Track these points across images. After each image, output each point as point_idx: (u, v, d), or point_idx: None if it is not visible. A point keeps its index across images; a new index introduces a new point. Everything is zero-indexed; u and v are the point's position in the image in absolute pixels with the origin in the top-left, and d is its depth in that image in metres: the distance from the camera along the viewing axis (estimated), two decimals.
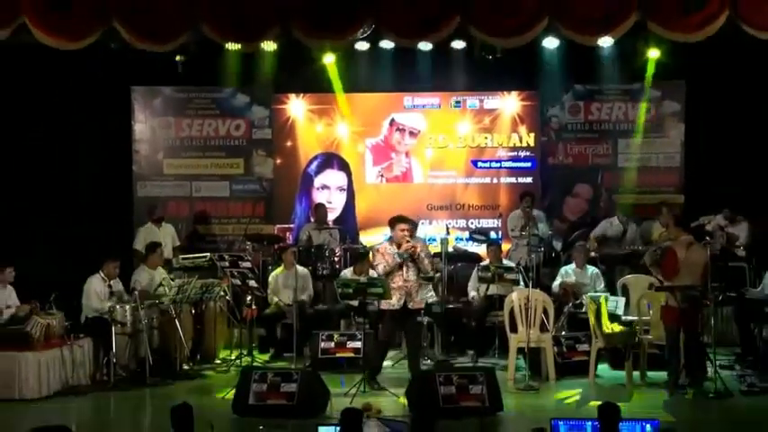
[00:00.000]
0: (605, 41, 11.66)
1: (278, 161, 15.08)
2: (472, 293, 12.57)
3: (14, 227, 13.31)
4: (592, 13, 10.70)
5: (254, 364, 11.35)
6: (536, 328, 11.02)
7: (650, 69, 13.75)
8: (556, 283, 12.52)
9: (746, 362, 11.35)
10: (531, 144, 14.89)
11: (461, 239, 14.62)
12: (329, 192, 15.07)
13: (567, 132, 14.94)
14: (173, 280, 11.70)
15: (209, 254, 12.82)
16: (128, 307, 11.04)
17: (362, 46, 12.94)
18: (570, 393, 10.39)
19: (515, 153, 14.92)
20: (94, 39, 11.05)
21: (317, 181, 15.09)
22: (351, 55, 13.37)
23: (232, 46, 11.74)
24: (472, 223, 14.87)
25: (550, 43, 12.59)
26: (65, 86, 13.62)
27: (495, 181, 14.99)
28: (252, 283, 11.73)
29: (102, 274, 11.44)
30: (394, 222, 10.71)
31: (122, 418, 9.72)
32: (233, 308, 12.31)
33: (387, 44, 12.79)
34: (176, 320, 11.23)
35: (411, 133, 15.00)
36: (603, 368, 11.35)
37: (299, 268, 12.47)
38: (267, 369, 9.99)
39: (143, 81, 14.57)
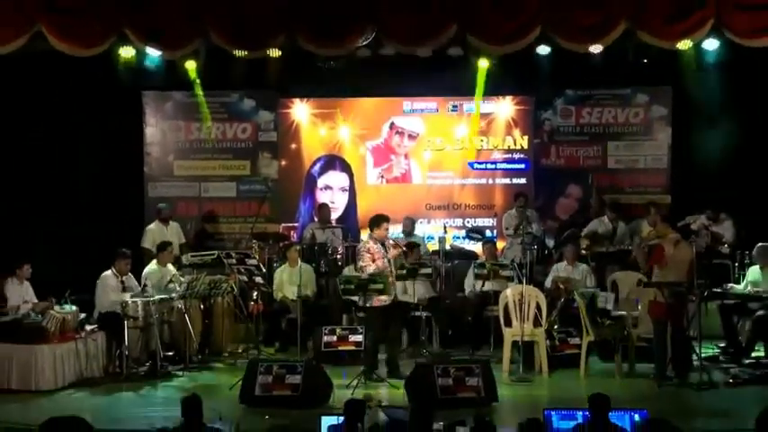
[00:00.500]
0: (596, 48, 11.65)
1: (283, 163, 15.08)
2: (468, 289, 12.57)
3: (32, 226, 13.30)
4: (583, 22, 10.70)
5: (260, 356, 11.35)
6: (529, 322, 11.03)
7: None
8: (548, 280, 12.52)
9: (730, 355, 11.36)
10: (525, 146, 14.90)
11: (458, 238, 14.63)
12: (332, 192, 15.07)
13: (559, 135, 14.95)
14: (182, 276, 11.70)
15: (217, 251, 12.80)
16: (139, 302, 11.04)
17: (364, 53, 12.94)
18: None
19: (510, 155, 14.93)
20: (108, 45, 11.05)
21: (321, 182, 15.09)
22: (353, 61, 13.35)
23: (239, 53, 11.73)
24: (468, 222, 14.88)
25: (543, 50, 12.58)
26: (79, 92, 13.61)
27: (490, 182, 15.00)
28: (258, 279, 11.72)
29: (115, 271, 11.44)
30: (379, 221, 10.80)
31: (134, 408, 9.71)
32: (240, 303, 12.30)
33: (387, 51, 12.79)
34: (186, 315, 11.22)
35: (410, 136, 15.01)
36: (594, 361, 11.34)
37: (303, 265, 12.47)
38: (272, 361, 9.98)
39: (154, 86, 14.57)
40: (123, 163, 14.42)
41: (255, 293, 12.01)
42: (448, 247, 13.51)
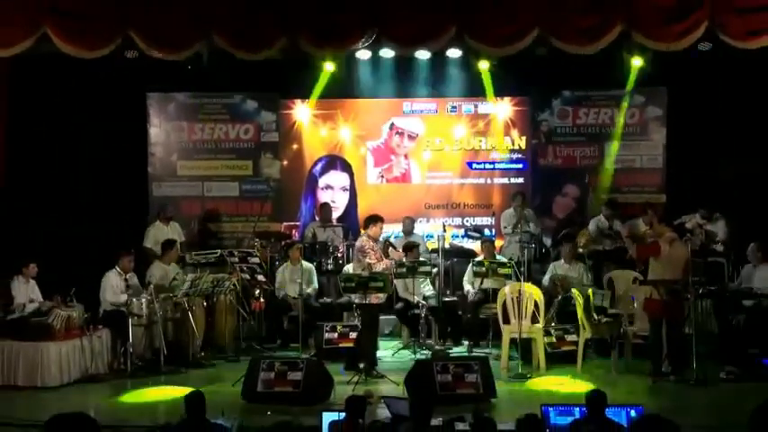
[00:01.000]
0: (592, 50, 11.64)
1: (284, 163, 15.07)
2: (467, 287, 12.57)
3: (38, 225, 13.29)
4: (579, 25, 10.69)
5: (263, 353, 11.35)
6: (527, 319, 11.04)
7: (632, 77, 13.73)
8: (546, 278, 12.52)
9: (725, 351, 11.35)
10: (523, 147, 14.89)
11: (457, 236, 14.62)
12: (333, 192, 15.07)
13: (556, 136, 14.93)
14: (186, 275, 11.70)
15: (219, 250, 12.81)
16: (143, 300, 11.05)
17: (364, 55, 12.93)
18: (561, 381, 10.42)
19: (508, 155, 14.92)
20: (112, 48, 11.04)
21: (322, 181, 15.09)
22: (353, 63, 13.34)
23: (241, 54, 11.72)
24: (467, 221, 14.88)
25: (541, 52, 12.58)
26: (84, 93, 13.61)
27: (488, 181, 15.00)
28: (260, 277, 11.74)
29: (119, 269, 11.45)
30: (375, 220, 10.98)
31: (138, 404, 9.71)
32: (242, 301, 12.30)
33: (387, 53, 12.79)
34: (189, 313, 11.24)
35: (410, 136, 15.00)
36: (591, 357, 11.34)
37: (305, 263, 12.47)
38: (274, 358, 9.98)
39: (158, 87, 14.56)
40: (127, 163, 14.40)
41: (258, 291, 12.02)
42: (447, 245, 13.50)
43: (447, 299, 12.56)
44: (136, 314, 11.00)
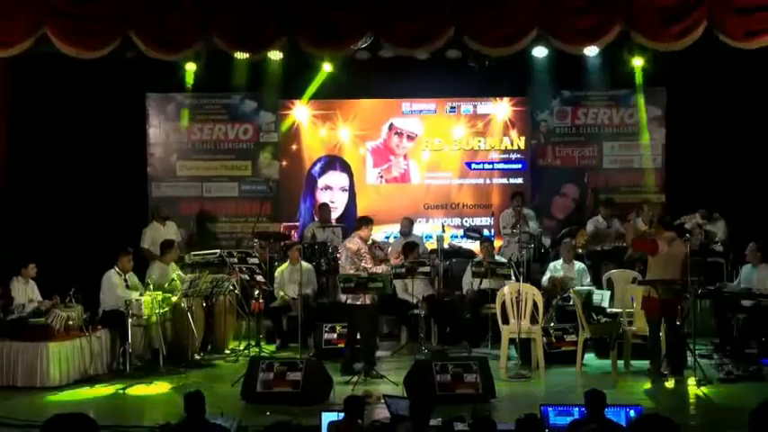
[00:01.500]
0: (591, 50, 11.65)
1: (284, 163, 15.07)
2: (466, 287, 12.58)
3: (37, 226, 13.30)
4: (578, 25, 10.69)
5: (262, 354, 11.35)
6: (526, 319, 11.03)
7: (638, 75, 13.71)
8: (545, 278, 12.52)
9: (724, 351, 11.36)
10: (522, 147, 14.90)
11: (456, 237, 14.63)
12: (332, 192, 15.07)
13: (555, 136, 14.94)
14: (185, 275, 11.69)
15: (219, 250, 12.81)
16: (143, 300, 11.04)
17: (363, 55, 12.93)
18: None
19: (507, 155, 14.93)
20: (112, 48, 11.04)
21: (321, 182, 15.09)
22: (352, 63, 13.34)
23: (240, 55, 11.72)
24: (466, 221, 14.88)
25: (539, 52, 12.59)
26: (84, 93, 13.60)
27: (487, 182, 15.00)
28: (259, 277, 11.72)
29: (118, 269, 11.43)
30: (368, 222, 11.09)
31: (138, 404, 9.71)
32: (241, 301, 12.29)
33: (386, 53, 12.78)
34: (188, 313, 11.22)
35: (409, 137, 15.00)
36: (590, 357, 11.35)
37: (304, 264, 12.46)
38: (274, 359, 10.00)
39: (157, 88, 14.56)
40: (127, 163, 14.40)
41: (257, 292, 12.00)
42: (446, 245, 13.49)
43: (446, 299, 12.55)
44: (135, 314, 10.97)
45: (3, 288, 11.01)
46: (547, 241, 14.24)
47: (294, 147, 15.06)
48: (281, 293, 12.57)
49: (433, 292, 12.45)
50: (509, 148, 14.90)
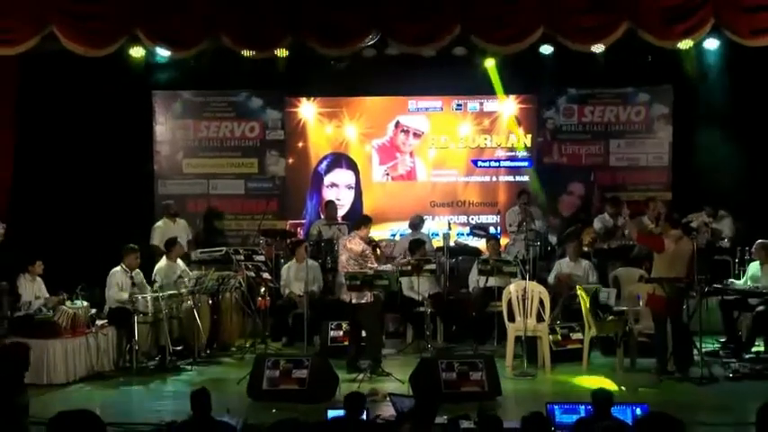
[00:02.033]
0: (597, 48, 11.63)
1: (290, 161, 15.08)
2: (472, 285, 12.57)
3: (44, 223, 13.31)
4: (584, 23, 10.68)
5: (268, 351, 11.34)
6: (532, 317, 11.01)
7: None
8: (551, 276, 12.51)
9: (730, 349, 11.34)
10: (528, 144, 14.88)
11: (462, 234, 14.62)
12: (338, 189, 15.08)
13: (561, 133, 14.94)
14: (191, 272, 11.70)
15: (225, 248, 12.82)
16: (149, 297, 11.05)
17: (369, 53, 12.91)
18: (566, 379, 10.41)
19: (513, 153, 14.91)
20: (118, 46, 11.05)
21: (327, 179, 15.09)
22: (359, 61, 13.33)
23: (247, 53, 11.72)
24: (472, 219, 14.88)
25: (546, 50, 12.56)
26: (90, 91, 13.61)
27: (494, 179, 15.00)
28: (265, 275, 11.72)
29: (124, 266, 11.43)
30: (368, 222, 11.11)
31: (144, 402, 9.72)
32: (248, 298, 12.28)
33: (392, 51, 12.77)
34: (194, 310, 11.23)
35: (415, 134, 15.00)
36: (596, 355, 11.33)
37: (310, 261, 12.46)
38: (280, 356, 9.98)
39: (163, 86, 14.58)
40: (133, 161, 14.42)
41: (263, 289, 12.00)
42: (452, 243, 13.48)
43: (452, 297, 12.55)
44: (141, 311, 10.99)
45: (9, 285, 11.03)
46: (553, 239, 14.23)
47: (300, 144, 15.07)
48: (287, 291, 12.57)
49: (439, 290, 12.45)
50: (515, 145, 14.88)
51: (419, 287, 11.96)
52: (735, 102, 13.39)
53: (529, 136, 14.88)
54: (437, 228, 14.60)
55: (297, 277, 12.46)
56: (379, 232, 14.02)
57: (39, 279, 11.19)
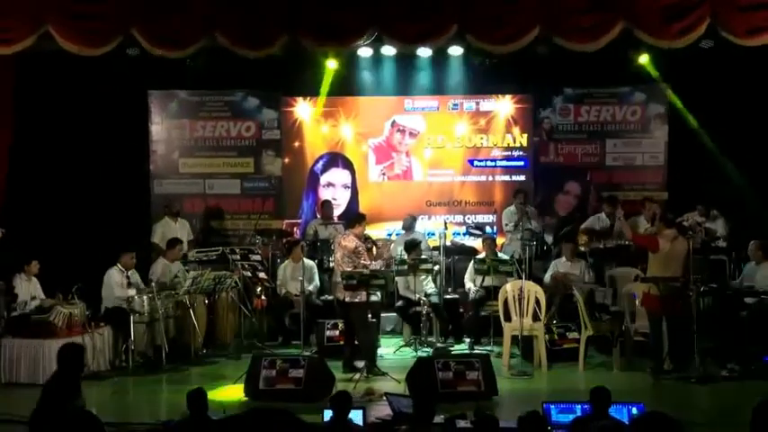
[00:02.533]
0: (594, 48, 11.63)
1: (286, 160, 15.07)
2: (469, 285, 12.58)
3: (39, 223, 13.30)
4: (581, 23, 10.69)
5: (264, 351, 11.35)
6: (529, 317, 11.03)
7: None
8: (547, 275, 12.52)
9: (726, 349, 11.35)
10: (524, 144, 14.88)
11: (459, 234, 14.61)
12: (334, 189, 15.07)
13: (557, 133, 14.94)
14: (188, 272, 11.70)
15: (221, 247, 12.82)
16: (145, 297, 11.05)
17: (365, 52, 12.92)
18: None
19: (509, 153, 14.92)
20: (114, 45, 11.04)
21: (323, 179, 15.08)
22: (355, 60, 13.34)
23: (243, 52, 11.71)
24: (469, 219, 14.86)
25: (542, 50, 12.56)
26: (86, 91, 13.60)
27: (490, 179, 14.99)
28: (262, 274, 11.74)
29: (120, 266, 11.45)
30: (361, 219, 11.12)
31: (140, 401, 9.72)
32: (244, 298, 12.29)
33: (388, 50, 12.78)
34: (191, 310, 11.24)
35: (411, 134, 14.99)
36: (592, 355, 11.34)
37: (306, 261, 12.48)
38: (276, 356, 9.99)
39: (159, 85, 14.56)
40: (129, 161, 14.40)
41: (259, 289, 12.02)
42: (448, 243, 13.48)
43: (448, 296, 12.56)
44: (137, 311, 11.01)
45: (6, 285, 11.03)
46: (549, 239, 14.25)
47: (296, 144, 15.06)
48: (284, 290, 12.57)
49: (435, 289, 12.45)
50: (511, 145, 14.89)
51: (415, 287, 11.99)
52: (731, 101, 13.41)
53: (525, 135, 14.88)
54: (433, 227, 14.59)
55: (293, 277, 12.46)
56: (374, 232, 13.99)
57: (34, 279, 11.21)
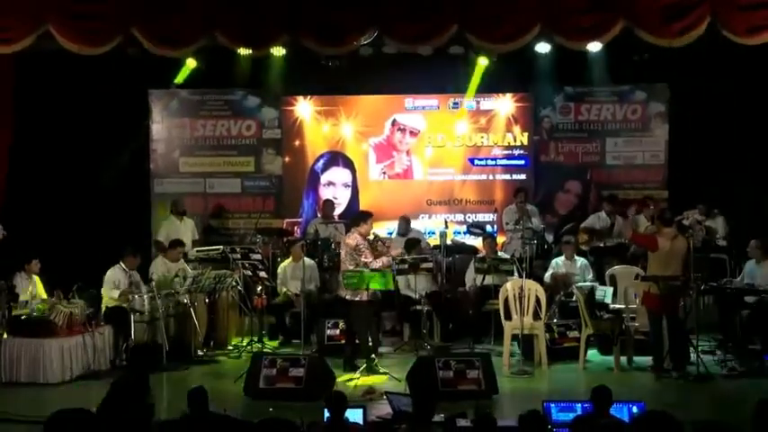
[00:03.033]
0: (594, 46, 11.63)
1: (286, 159, 15.07)
2: (469, 283, 12.57)
3: (40, 222, 13.30)
4: (581, 21, 10.68)
5: (264, 350, 11.35)
6: (529, 316, 11.02)
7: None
8: (548, 274, 12.51)
9: (727, 347, 11.35)
10: (525, 143, 14.88)
11: (459, 233, 14.61)
12: (335, 188, 15.06)
13: (558, 132, 14.94)
14: (187, 271, 11.71)
15: (221, 246, 12.82)
16: (145, 296, 11.05)
17: (366, 51, 12.91)
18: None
19: (510, 151, 14.91)
20: (115, 45, 11.03)
21: (324, 178, 15.08)
22: (356, 59, 13.33)
23: (243, 51, 11.71)
24: (469, 217, 14.86)
25: (542, 48, 12.56)
26: (86, 90, 13.59)
27: (490, 178, 14.99)
28: (262, 273, 11.73)
29: (123, 266, 11.45)
30: (366, 217, 11.00)
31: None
32: (244, 297, 12.29)
33: (388, 49, 12.77)
34: (191, 309, 11.24)
35: (411, 133, 14.99)
36: (593, 354, 11.34)
37: (307, 260, 12.47)
38: (276, 355, 10.00)
39: (160, 84, 14.56)
40: (130, 160, 14.40)
41: (260, 288, 12.01)
42: (449, 241, 13.48)
43: (449, 295, 12.56)
44: (138, 310, 11.01)
45: (7, 284, 11.03)
46: (550, 237, 14.25)
47: (297, 143, 15.06)
48: (284, 290, 12.57)
49: (435, 289, 12.45)
50: (512, 144, 14.89)
51: (416, 285, 11.99)
52: (731, 100, 13.41)
53: (525, 134, 14.87)
54: (434, 226, 14.59)
55: (293, 276, 12.46)
56: (376, 230, 13.97)
57: (35, 278, 11.20)
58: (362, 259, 10.65)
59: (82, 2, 10.95)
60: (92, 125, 13.93)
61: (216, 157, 15.04)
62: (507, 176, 14.93)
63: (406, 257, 12.00)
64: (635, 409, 7.34)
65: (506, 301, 11.13)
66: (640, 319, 10.83)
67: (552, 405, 7.62)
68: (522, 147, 14.89)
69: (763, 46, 10.56)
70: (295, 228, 14.52)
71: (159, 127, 14.98)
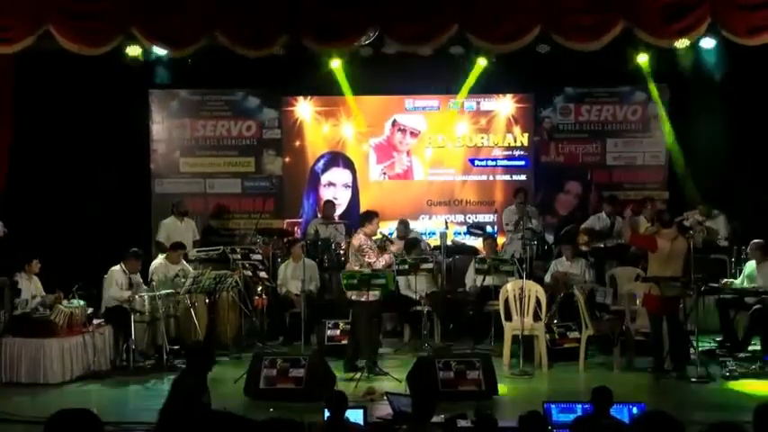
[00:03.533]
0: (594, 47, 11.63)
1: (287, 160, 15.07)
2: (469, 284, 12.58)
3: (40, 222, 13.30)
4: (581, 22, 10.68)
5: (265, 350, 11.34)
6: (529, 316, 11.02)
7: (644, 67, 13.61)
8: (548, 275, 12.52)
9: (727, 348, 11.36)
10: (525, 144, 14.88)
11: (459, 233, 14.60)
12: (335, 188, 15.06)
13: (558, 132, 14.94)
14: (191, 270, 11.72)
15: (222, 247, 12.82)
16: (146, 296, 11.05)
17: (366, 51, 12.91)
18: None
19: (510, 152, 14.91)
20: (115, 45, 11.03)
21: (324, 178, 15.08)
22: (356, 60, 13.34)
23: (244, 51, 11.70)
24: (469, 218, 14.86)
25: (543, 49, 12.56)
26: (87, 90, 13.59)
27: (491, 178, 14.99)
28: (262, 274, 11.73)
29: (124, 267, 11.44)
30: (371, 217, 10.91)
31: (141, 401, 9.72)
32: (245, 297, 12.29)
33: (389, 50, 12.76)
34: (191, 309, 11.24)
35: (412, 133, 14.99)
36: (593, 354, 11.34)
37: (307, 260, 12.47)
38: (277, 355, 9.99)
39: (160, 84, 14.56)
40: (130, 160, 14.40)
41: (260, 288, 12.01)
42: (449, 242, 13.48)
43: (449, 296, 12.56)
44: (138, 311, 11.01)
45: (10, 284, 11.02)
46: (550, 238, 14.25)
47: (297, 143, 15.06)
48: (284, 290, 12.57)
49: (436, 289, 12.45)
50: (512, 144, 14.89)
51: (416, 286, 11.99)
52: (731, 100, 13.40)
53: (526, 135, 14.87)
54: (434, 227, 14.60)
55: (294, 276, 12.46)
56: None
57: (35, 278, 11.20)
58: (366, 259, 10.64)
59: (82, 2, 10.94)
60: (92, 125, 13.93)
61: (216, 157, 15.04)
62: (507, 177, 14.93)
63: (407, 258, 12.00)
64: (635, 410, 7.34)
65: (506, 301, 11.13)
66: (640, 320, 10.84)
67: (552, 406, 7.62)
68: (522, 147, 14.89)
69: (764, 45, 10.56)
70: (295, 228, 14.52)
71: (159, 127, 14.98)
